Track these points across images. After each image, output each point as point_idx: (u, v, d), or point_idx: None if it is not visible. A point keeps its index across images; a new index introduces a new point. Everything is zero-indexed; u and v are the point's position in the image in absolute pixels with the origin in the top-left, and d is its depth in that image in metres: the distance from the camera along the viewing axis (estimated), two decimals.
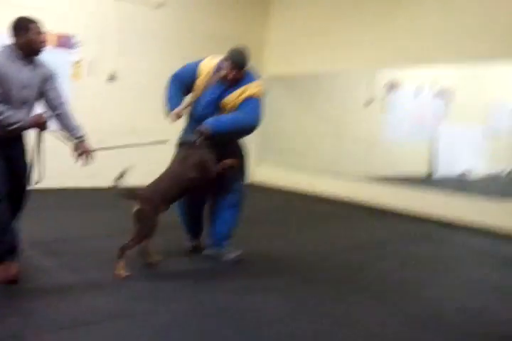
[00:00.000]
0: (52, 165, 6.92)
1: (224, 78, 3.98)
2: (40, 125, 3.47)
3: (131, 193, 3.66)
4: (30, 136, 3.65)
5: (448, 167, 10.16)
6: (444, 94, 10.53)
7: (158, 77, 7.76)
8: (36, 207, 5.86)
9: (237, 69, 3.94)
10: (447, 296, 3.72)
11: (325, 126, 8.59)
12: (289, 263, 4.30)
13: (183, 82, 4.16)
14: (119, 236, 4.70)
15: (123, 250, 3.60)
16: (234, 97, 3.98)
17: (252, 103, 3.99)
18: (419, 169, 10.04)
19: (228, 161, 3.95)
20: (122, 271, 3.58)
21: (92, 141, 3.85)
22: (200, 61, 4.15)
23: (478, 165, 10.44)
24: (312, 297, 3.51)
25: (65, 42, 7.12)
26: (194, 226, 4.41)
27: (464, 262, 4.73)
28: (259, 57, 8.99)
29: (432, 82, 10.15)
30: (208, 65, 4.09)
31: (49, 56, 7.08)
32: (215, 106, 4.03)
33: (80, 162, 3.76)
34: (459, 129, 10.48)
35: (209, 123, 3.87)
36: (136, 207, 3.62)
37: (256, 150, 8.74)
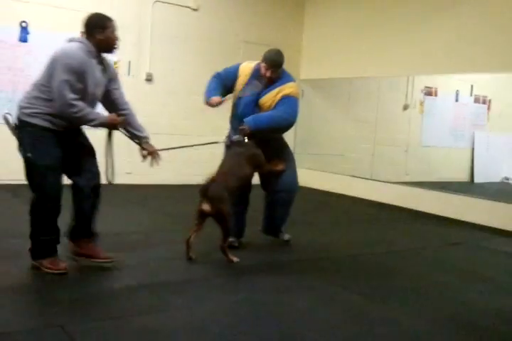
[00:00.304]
0: None
1: (261, 77, 4.21)
2: (115, 125, 3.47)
3: (204, 192, 3.80)
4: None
5: (488, 173, 9.96)
6: (483, 101, 10.34)
7: (192, 79, 7.91)
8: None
9: (273, 68, 4.17)
10: (483, 301, 3.61)
11: (362, 129, 8.50)
12: (325, 264, 4.25)
13: (223, 81, 4.34)
14: (151, 232, 4.79)
15: (224, 250, 3.91)
16: (271, 96, 4.21)
17: (289, 101, 4.21)
18: (459, 174, 9.88)
19: (279, 165, 4.27)
20: (234, 257, 3.93)
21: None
22: (239, 64, 4.40)
23: None
24: (346, 298, 3.45)
25: None
26: (237, 225, 4.43)
27: (503, 269, 4.60)
28: (295, 62, 8.95)
29: (471, 88, 10.00)
30: (247, 66, 4.34)
31: None
32: (254, 105, 4.23)
33: (148, 162, 3.74)
34: (499, 136, 10.27)
35: (249, 121, 4.06)
36: (208, 205, 3.78)
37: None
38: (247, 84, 4.27)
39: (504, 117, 10.24)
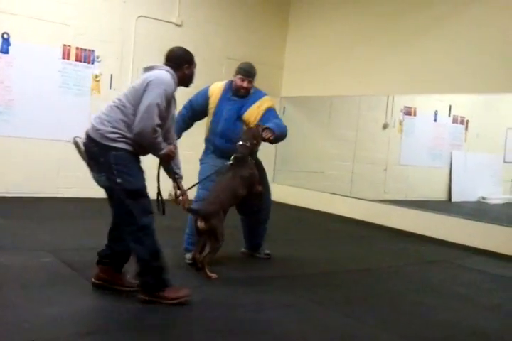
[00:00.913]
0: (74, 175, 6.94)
1: (237, 89, 4.35)
2: (171, 157, 3.39)
3: (196, 210, 3.94)
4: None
5: (465, 192, 10.08)
6: (461, 121, 10.51)
7: (178, 97, 7.91)
8: (56, 215, 5.95)
9: (249, 78, 4.36)
10: (460, 320, 3.62)
11: (342, 147, 8.57)
12: (303, 280, 4.24)
13: (194, 108, 4.49)
14: None
15: (203, 265, 3.88)
16: (253, 111, 4.37)
17: (275, 113, 4.47)
18: (437, 193, 9.98)
19: (259, 186, 4.30)
20: (212, 274, 3.89)
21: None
22: (208, 86, 4.54)
23: (495, 191, 10.36)
24: (323, 315, 3.45)
25: (85, 57, 7.24)
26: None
27: (479, 287, 4.63)
28: (276, 79, 9.04)
29: (449, 109, 10.16)
30: (216, 86, 4.53)
31: (70, 69, 7.24)
32: (235, 120, 4.36)
33: (179, 202, 3.65)
34: (476, 156, 10.42)
35: (274, 128, 4.19)
36: (203, 223, 3.81)
37: (272, 169, 8.74)
38: (221, 100, 4.39)
39: (481, 137, 10.41)
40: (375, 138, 9.22)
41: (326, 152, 8.84)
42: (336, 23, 8.35)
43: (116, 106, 3.20)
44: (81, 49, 7.19)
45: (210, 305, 3.41)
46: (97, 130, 3.16)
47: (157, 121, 3.13)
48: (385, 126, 9.20)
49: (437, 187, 10.12)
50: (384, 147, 9.26)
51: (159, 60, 8.18)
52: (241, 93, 4.35)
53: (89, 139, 3.18)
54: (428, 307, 3.84)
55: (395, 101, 9.10)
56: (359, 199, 7.85)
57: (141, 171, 3.29)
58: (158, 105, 3.13)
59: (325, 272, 4.60)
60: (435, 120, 10.17)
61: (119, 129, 3.16)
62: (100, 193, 3.38)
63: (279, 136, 4.26)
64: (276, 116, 4.45)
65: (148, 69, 3.37)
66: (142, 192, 3.22)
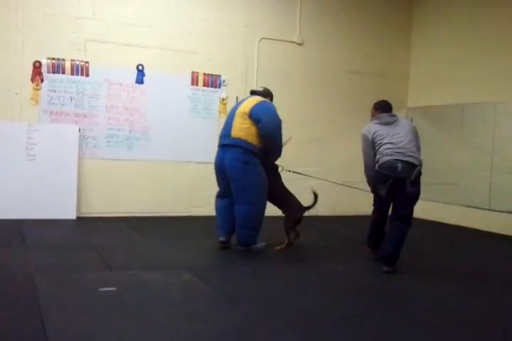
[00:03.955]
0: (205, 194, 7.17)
1: None
2: None
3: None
4: None
5: None
6: None
7: (298, 112, 7.99)
8: (190, 234, 6.16)
9: None
10: None
11: (476, 156, 8.07)
12: (445, 300, 3.99)
13: None
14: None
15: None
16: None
17: None
18: None
19: None
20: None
21: None
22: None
23: None
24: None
25: (212, 82, 7.56)
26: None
27: None
28: (402, 89, 8.79)
29: None
30: None
31: (199, 94, 7.58)
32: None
33: None
34: None
35: None
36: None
37: None
38: None
39: None
40: None
41: (458, 162, 8.38)
42: (463, 27, 7.98)
43: (414, 145, 4.94)
44: (208, 74, 7.52)
45: None
46: (417, 158, 4.88)
47: None
48: None
49: None
50: None
51: (281, 78, 8.32)
52: None
53: (411, 165, 4.77)
54: None
55: None
56: (499, 211, 7.35)
57: None
58: None
59: (465, 291, 4.32)
60: None
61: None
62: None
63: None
64: None
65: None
66: None
